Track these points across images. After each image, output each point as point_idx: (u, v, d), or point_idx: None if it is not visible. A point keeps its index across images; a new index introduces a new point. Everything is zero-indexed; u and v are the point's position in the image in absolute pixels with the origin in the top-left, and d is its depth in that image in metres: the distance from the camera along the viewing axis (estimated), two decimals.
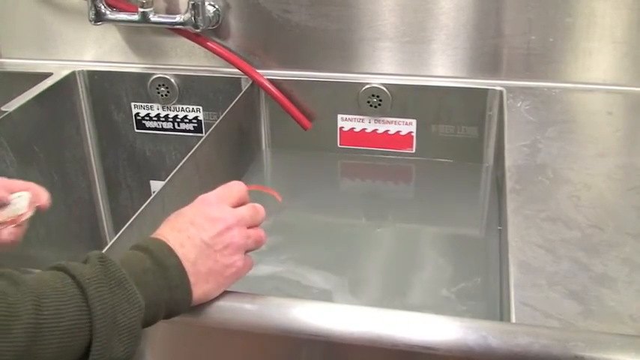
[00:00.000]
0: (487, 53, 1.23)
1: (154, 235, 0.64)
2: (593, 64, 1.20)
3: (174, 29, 1.30)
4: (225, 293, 0.68)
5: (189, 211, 0.67)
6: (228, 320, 0.66)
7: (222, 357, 0.70)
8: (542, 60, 1.21)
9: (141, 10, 1.25)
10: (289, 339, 0.65)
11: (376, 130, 1.32)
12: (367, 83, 1.28)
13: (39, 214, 0.80)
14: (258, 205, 0.71)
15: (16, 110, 1.20)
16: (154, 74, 1.36)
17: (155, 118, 1.39)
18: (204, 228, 0.65)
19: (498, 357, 0.61)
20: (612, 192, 0.92)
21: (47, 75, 1.33)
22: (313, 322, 0.64)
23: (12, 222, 0.79)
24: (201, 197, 0.69)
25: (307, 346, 0.65)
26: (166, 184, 0.98)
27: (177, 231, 0.64)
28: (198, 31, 1.27)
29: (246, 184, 0.71)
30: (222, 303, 0.67)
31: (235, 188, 0.70)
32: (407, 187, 1.36)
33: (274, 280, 1.01)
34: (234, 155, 1.27)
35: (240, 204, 0.69)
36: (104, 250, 0.85)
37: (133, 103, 1.39)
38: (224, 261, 0.65)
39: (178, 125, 1.39)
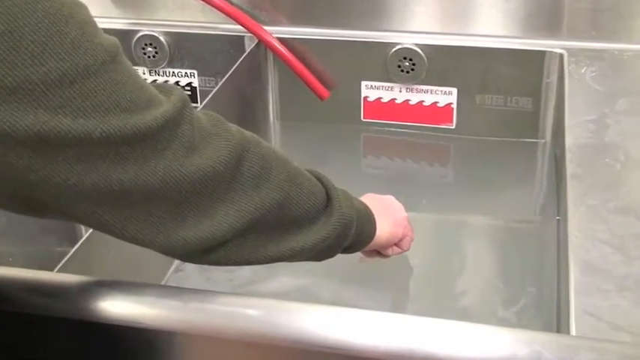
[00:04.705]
0: (545, 8, 1.22)
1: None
2: None
3: None
4: (223, 295, 0.69)
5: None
6: (226, 328, 0.66)
7: None
8: (612, 16, 1.20)
9: None
10: (299, 351, 0.65)
11: (408, 100, 1.32)
12: (397, 43, 1.28)
13: None
14: None
15: None
16: (139, 31, 1.36)
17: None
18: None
19: None
20: None
21: None
22: (329, 331, 0.64)
23: None
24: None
25: None
26: None
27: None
28: None
29: None
30: (219, 307, 0.67)
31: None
32: (445, 170, 1.35)
33: (300, 294, 1.03)
34: None
35: None
36: (79, 244, 0.86)
37: None
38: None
39: None
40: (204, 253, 0.66)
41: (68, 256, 0.86)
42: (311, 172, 0.77)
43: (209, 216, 0.64)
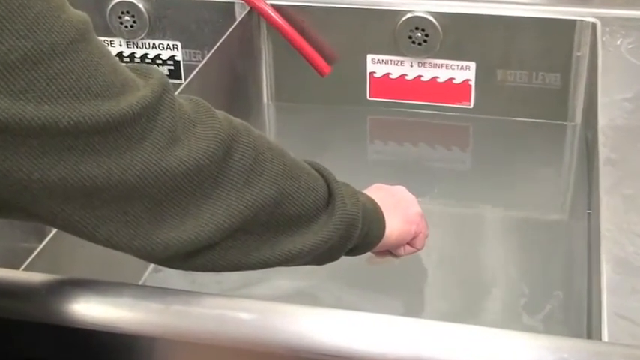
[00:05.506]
0: None
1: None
2: None
3: None
4: (210, 296, 0.69)
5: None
6: (214, 333, 0.66)
7: None
8: None
9: None
10: (297, 359, 0.65)
11: (420, 76, 1.32)
12: (408, 11, 1.28)
13: None
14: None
15: None
16: None
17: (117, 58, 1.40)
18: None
19: None
20: None
21: None
22: (330, 336, 0.65)
23: None
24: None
25: None
26: None
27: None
28: None
29: None
30: (205, 309, 0.67)
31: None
32: (462, 155, 1.36)
33: (298, 298, 1.03)
34: (225, 110, 1.27)
35: None
36: (48, 239, 0.87)
37: None
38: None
39: None
40: (188, 257, 0.66)
41: (36, 253, 0.86)
42: (310, 163, 0.76)
43: (193, 215, 0.63)
